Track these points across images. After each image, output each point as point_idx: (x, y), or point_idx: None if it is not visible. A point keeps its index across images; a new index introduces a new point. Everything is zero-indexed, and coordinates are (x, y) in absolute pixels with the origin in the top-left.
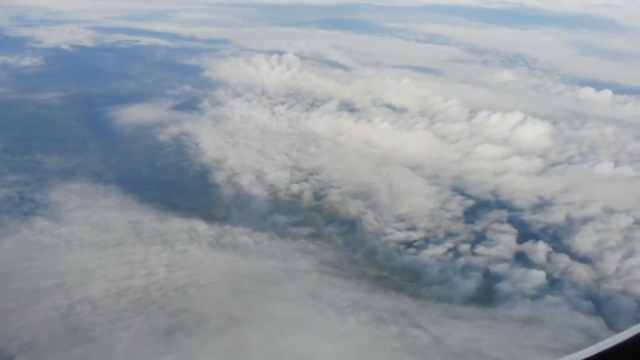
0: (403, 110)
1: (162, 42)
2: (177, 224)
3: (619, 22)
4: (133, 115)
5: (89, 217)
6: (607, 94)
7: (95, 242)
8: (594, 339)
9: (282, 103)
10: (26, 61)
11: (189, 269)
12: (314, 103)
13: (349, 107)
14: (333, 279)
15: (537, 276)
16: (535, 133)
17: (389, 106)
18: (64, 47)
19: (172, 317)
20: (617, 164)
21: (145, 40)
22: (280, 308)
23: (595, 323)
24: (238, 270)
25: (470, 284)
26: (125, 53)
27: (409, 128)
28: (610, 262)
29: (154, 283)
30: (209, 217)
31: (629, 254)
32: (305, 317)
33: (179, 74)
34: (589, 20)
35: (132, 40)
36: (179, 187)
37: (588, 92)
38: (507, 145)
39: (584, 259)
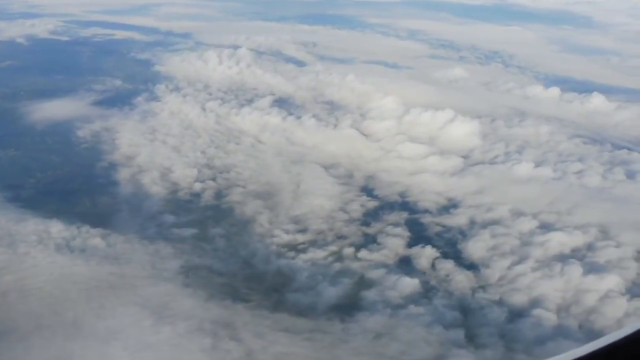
0: (341, 106)
1: (137, 36)
2: (33, 225)
3: (597, 19)
4: (57, 110)
5: None
6: (554, 91)
7: None
8: (439, 357)
9: (219, 98)
10: None
11: (21, 272)
12: (252, 99)
13: (286, 103)
14: (170, 286)
15: (409, 284)
16: (464, 131)
17: (329, 103)
18: (19, 40)
19: None
20: (539, 164)
21: (120, 34)
22: (96, 317)
23: (453, 336)
24: (71, 276)
25: (336, 292)
26: (92, 46)
27: (337, 125)
28: (497, 270)
29: None
30: (80, 218)
31: (520, 261)
32: (118, 328)
33: (128, 68)
34: (568, 17)
35: (107, 34)
36: (70, 185)
37: (536, 89)
38: (431, 144)
39: (470, 266)
